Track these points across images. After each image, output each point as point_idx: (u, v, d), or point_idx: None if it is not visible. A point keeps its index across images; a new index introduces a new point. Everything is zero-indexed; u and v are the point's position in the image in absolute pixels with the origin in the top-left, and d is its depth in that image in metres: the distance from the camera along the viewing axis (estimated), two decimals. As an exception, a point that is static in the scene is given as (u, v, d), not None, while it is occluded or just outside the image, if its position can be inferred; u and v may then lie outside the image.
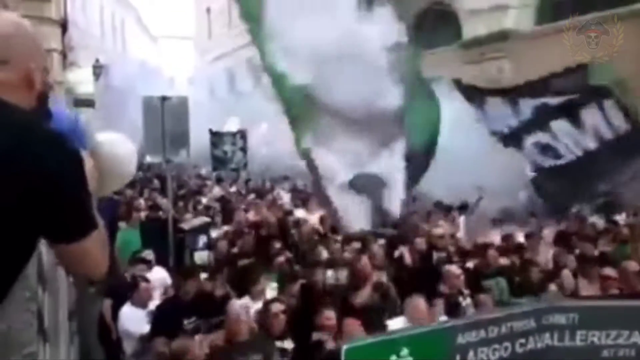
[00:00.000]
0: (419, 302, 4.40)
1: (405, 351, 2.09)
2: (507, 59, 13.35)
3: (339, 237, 7.71)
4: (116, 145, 1.69)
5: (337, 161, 7.04)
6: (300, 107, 6.93)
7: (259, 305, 4.67)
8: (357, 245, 7.04)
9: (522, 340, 2.38)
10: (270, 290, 5.22)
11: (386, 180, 7.33)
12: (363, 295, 5.13)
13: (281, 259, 6.18)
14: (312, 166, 7.16)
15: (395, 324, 4.39)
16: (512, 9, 13.55)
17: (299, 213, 9.32)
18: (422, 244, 6.71)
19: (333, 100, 6.72)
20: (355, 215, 7.18)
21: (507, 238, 7.23)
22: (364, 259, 5.54)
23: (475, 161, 8.30)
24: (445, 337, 2.24)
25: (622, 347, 2.48)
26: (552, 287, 5.11)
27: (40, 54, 1.33)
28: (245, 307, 4.28)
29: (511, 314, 2.42)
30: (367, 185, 7.27)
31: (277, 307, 4.33)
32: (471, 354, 2.25)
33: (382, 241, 7.06)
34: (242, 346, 3.82)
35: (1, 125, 1.15)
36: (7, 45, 1.24)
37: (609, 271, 5.08)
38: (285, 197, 12.04)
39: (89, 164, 1.42)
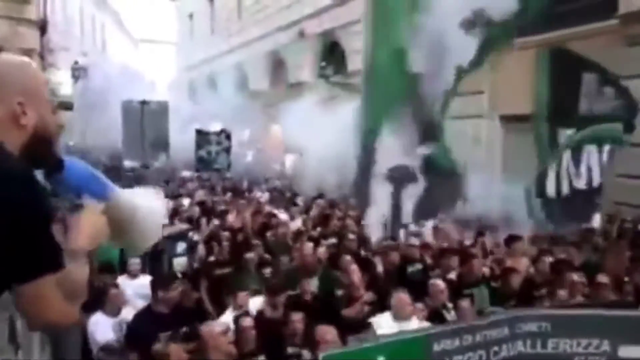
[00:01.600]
0: (403, 296, 4.47)
1: (381, 359, 2.11)
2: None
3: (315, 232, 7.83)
4: (144, 201, 1.62)
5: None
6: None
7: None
8: (333, 240, 7.25)
9: (496, 348, 2.42)
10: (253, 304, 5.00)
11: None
12: (356, 307, 5.09)
13: (250, 255, 6.17)
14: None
15: (382, 319, 4.41)
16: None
17: (283, 216, 9.29)
18: (395, 255, 6.50)
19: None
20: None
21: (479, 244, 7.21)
22: (355, 270, 5.45)
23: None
24: (421, 345, 2.27)
25: (592, 355, 2.54)
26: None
27: (35, 92, 1.29)
28: (224, 328, 4.00)
29: (485, 322, 2.47)
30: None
31: (246, 322, 4.11)
32: (446, 361, 2.28)
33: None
34: None
35: None
36: None
37: (578, 277, 5.13)
38: (263, 197, 11.99)
39: (98, 215, 1.42)
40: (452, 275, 5.86)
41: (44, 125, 1.30)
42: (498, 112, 12.08)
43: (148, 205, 1.62)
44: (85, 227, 1.38)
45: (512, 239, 6.89)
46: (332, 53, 18.76)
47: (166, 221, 1.77)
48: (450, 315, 4.86)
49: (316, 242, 7.02)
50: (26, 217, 1.15)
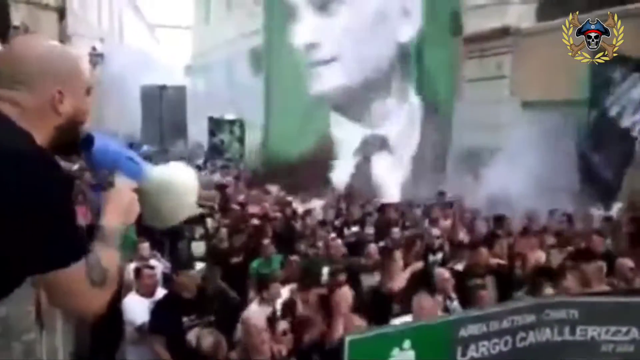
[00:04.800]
0: (425, 301, 4.08)
1: (407, 344, 2.09)
2: (507, 55, 13.32)
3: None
4: (172, 176, 1.57)
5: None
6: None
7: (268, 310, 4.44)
8: (355, 229, 7.35)
9: (523, 335, 2.39)
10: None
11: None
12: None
13: (267, 240, 6.16)
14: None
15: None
16: (514, 5, 13.49)
17: (297, 204, 9.26)
18: (419, 245, 6.32)
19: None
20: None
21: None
22: (397, 254, 5.30)
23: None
24: (447, 331, 2.24)
25: (620, 343, 2.50)
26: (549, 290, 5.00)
27: (73, 80, 1.27)
28: (261, 318, 3.97)
29: (512, 308, 2.43)
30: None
31: (283, 325, 4.03)
32: (472, 347, 2.25)
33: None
34: None
35: None
36: (29, 68, 1.20)
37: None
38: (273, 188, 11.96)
39: (128, 192, 1.39)
40: (459, 266, 5.63)
41: (80, 112, 1.30)
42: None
43: (182, 180, 1.58)
44: (115, 205, 1.35)
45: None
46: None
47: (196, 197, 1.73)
48: (454, 305, 4.69)
49: (339, 231, 7.04)
50: (43, 202, 1.08)
